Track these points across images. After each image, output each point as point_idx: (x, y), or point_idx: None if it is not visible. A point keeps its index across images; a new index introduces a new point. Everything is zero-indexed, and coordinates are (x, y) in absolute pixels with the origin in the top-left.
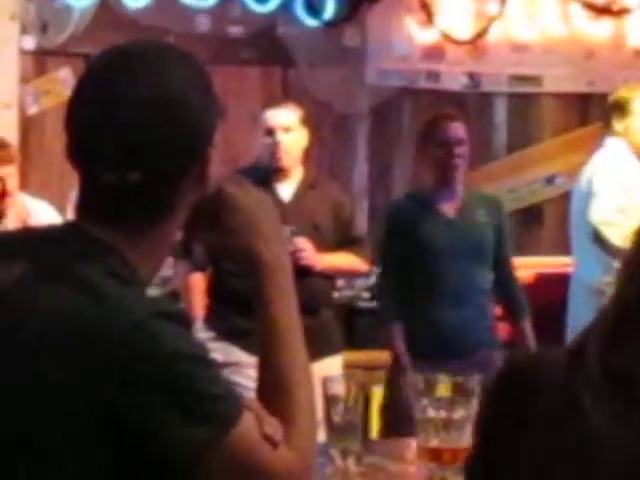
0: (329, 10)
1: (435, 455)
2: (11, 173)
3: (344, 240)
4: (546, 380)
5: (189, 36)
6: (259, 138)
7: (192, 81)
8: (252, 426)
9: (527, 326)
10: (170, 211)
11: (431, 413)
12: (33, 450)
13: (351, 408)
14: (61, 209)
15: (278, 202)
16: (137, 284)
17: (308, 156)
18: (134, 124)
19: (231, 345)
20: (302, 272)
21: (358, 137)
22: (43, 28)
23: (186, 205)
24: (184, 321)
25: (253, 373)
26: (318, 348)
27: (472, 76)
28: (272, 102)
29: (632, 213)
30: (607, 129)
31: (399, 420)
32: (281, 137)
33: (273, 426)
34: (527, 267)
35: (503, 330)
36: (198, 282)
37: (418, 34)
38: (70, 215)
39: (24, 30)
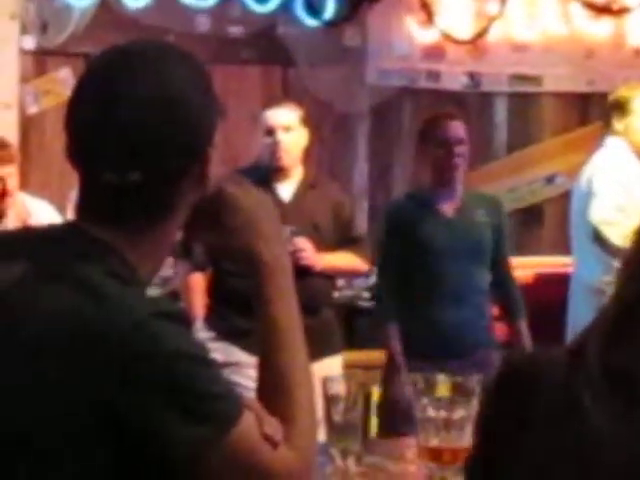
0: (329, 10)
1: (435, 455)
2: (11, 173)
3: (344, 240)
4: (546, 380)
5: (189, 36)
6: (259, 138)
7: (192, 81)
8: (252, 426)
9: (523, 326)
10: (170, 211)
11: (431, 413)
12: (33, 450)
13: (351, 408)
14: (61, 209)
15: (278, 202)
16: (137, 284)
17: (308, 156)
18: (134, 124)
19: (231, 345)
20: (302, 272)
21: (358, 137)
22: (43, 28)
23: (186, 205)
24: (184, 321)
25: (253, 373)
26: (318, 348)
27: (472, 76)
28: (272, 102)
29: (632, 212)
30: (607, 128)
31: (395, 420)
32: (281, 137)
33: (273, 426)
34: (527, 267)
35: (500, 330)
36: (198, 282)
37: (418, 34)
38: (70, 215)
39: (24, 30)
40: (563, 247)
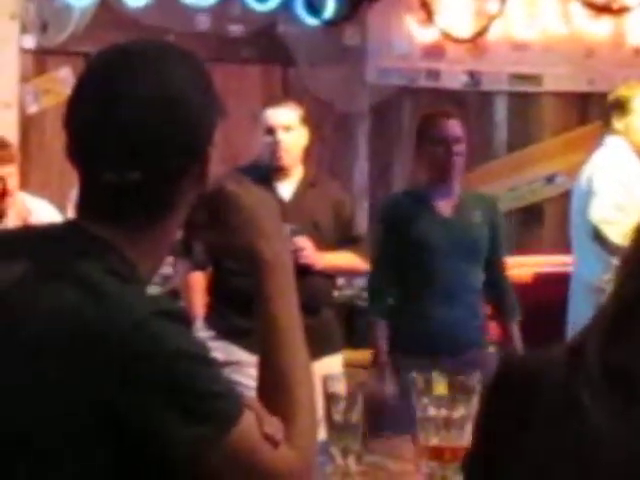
0: (329, 9)
1: (436, 454)
2: (11, 172)
3: (344, 239)
4: (546, 379)
5: (189, 35)
6: (259, 137)
7: (192, 80)
8: (253, 425)
9: (515, 328)
10: (170, 210)
11: (431, 412)
12: (33, 450)
13: (351, 407)
14: (61, 208)
15: (278, 201)
16: (137, 282)
17: (308, 155)
18: (134, 123)
19: (231, 344)
20: (302, 271)
21: (358, 136)
22: (43, 27)
23: (186, 204)
24: (184, 320)
25: (254, 372)
26: (318, 347)
27: (472, 75)
28: (272, 101)
29: (632, 211)
30: (607, 128)
31: (381, 419)
32: (281, 136)
33: (274, 425)
34: (527, 266)
35: (493, 330)
36: (198, 281)
37: (418, 33)
38: (70, 214)
39: (24, 29)
40: (563, 246)
